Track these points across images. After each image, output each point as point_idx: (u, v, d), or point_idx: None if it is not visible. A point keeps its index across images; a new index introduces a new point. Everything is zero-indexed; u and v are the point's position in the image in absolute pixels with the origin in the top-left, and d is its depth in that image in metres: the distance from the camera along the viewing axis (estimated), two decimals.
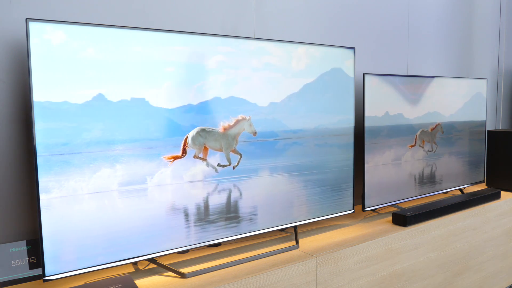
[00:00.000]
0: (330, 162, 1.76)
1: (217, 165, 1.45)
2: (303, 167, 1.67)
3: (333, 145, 1.76)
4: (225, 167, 1.47)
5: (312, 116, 1.68)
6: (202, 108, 1.38)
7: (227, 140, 1.46)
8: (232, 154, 1.48)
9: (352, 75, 1.80)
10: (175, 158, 1.34)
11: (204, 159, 1.42)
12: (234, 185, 1.49)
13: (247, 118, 1.50)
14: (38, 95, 1.10)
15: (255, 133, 1.53)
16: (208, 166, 1.43)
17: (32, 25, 1.09)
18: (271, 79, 1.55)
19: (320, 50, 1.69)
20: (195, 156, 1.40)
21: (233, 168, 1.49)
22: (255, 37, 1.65)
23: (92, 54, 1.18)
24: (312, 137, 1.69)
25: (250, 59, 1.49)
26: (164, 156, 1.32)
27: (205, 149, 1.41)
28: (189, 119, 1.36)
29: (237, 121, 1.47)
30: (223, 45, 1.42)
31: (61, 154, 1.14)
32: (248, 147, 1.51)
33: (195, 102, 1.37)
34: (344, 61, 1.77)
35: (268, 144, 1.55)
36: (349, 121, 1.82)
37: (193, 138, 1.38)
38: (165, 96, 1.30)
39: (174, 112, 1.32)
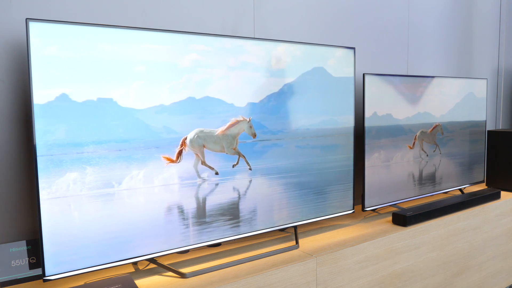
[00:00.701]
0: (330, 162, 1.76)
1: (233, 166, 1.47)
2: (299, 168, 1.67)
3: (332, 145, 1.76)
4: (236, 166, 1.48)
5: (293, 117, 1.63)
6: (176, 109, 1.33)
7: (227, 140, 1.46)
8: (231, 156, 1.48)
9: (335, 74, 1.76)
10: (170, 161, 1.34)
11: (212, 168, 1.42)
12: (234, 186, 1.49)
13: (248, 119, 1.50)
14: (37, 94, 1.11)
15: (254, 135, 1.52)
16: (217, 175, 1.43)
17: (32, 25, 1.09)
18: (249, 79, 1.50)
19: (300, 49, 1.64)
20: (202, 163, 1.40)
21: (250, 169, 1.50)
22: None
23: (55, 52, 1.12)
24: (304, 137, 1.68)
25: (226, 57, 1.43)
26: (162, 155, 1.32)
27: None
28: (161, 120, 1.30)
29: (237, 122, 1.47)
30: (196, 43, 1.37)
31: (63, 154, 1.15)
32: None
33: (167, 103, 1.31)
34: (326, 60, 1.72)
35: (247, 145, 1.52)
36: (345, 121, 1.82)
37: (192, 141, 1.37)
38: (135, 96, 1.25)
39: (145, 113, 1.27)
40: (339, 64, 1.77)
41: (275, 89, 1.57)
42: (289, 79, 1.61)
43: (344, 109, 1.80)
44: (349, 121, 1.82)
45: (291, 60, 1.61)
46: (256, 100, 1.52)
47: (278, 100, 1.58)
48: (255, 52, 1.51)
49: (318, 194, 1.72)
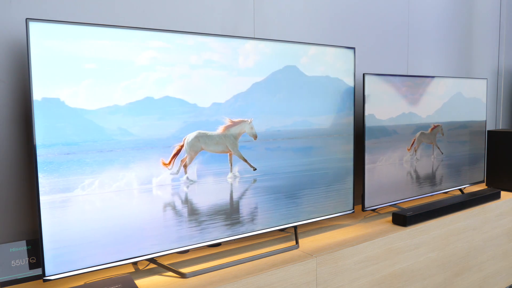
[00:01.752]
0: (330, 162, 1.76)
1: (253, 170, 1.49)
2: (297, 169, 1.67)
3: (331, 145, 1.76)
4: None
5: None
6: (132, 109, 1.25)
7: (230, 140, 1.45)
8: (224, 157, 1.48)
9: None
10: (164, 165, 1.33)
11: (185, 173, 1.37)
12: (234, 186, 1.49)
13: (249, 121, 1.50)
14: (38, 94, 1.11)
15: (255, 137, 1.52)
16: (190, 185, 1.38)
17: (32, 25, 1.09)
18: (214, 78, 1.42)
19: (270, 46, 1.56)
20: (185, 166, 1.36)
21: (254, 169, 1.52)
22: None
23: None
24: (300, 137, 1.69)
25: (188, 55, 1.36)
26: (161, 159, 1.32)
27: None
28: (116, 122, 1.22)
29: (239, 121, 1.47)
30: (154, 39, 1.29)
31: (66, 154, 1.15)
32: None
33: (122, 103, 1.23)
34: (299, 59, 1.64)
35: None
36: (345, 121, 1.82)
37: (191, 143, 1.36)
38: (85, 96, 1.17)
39: (96, 114, 1.19)
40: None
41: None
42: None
43: (344, 109, 1.80)
44: (349, 121, 1.82)
45: (259, 57, 1.60)
46: (222, 100, 1.44)
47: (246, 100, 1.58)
48: (220, 50, 1.42)
49: (318, 194, 1.72)
